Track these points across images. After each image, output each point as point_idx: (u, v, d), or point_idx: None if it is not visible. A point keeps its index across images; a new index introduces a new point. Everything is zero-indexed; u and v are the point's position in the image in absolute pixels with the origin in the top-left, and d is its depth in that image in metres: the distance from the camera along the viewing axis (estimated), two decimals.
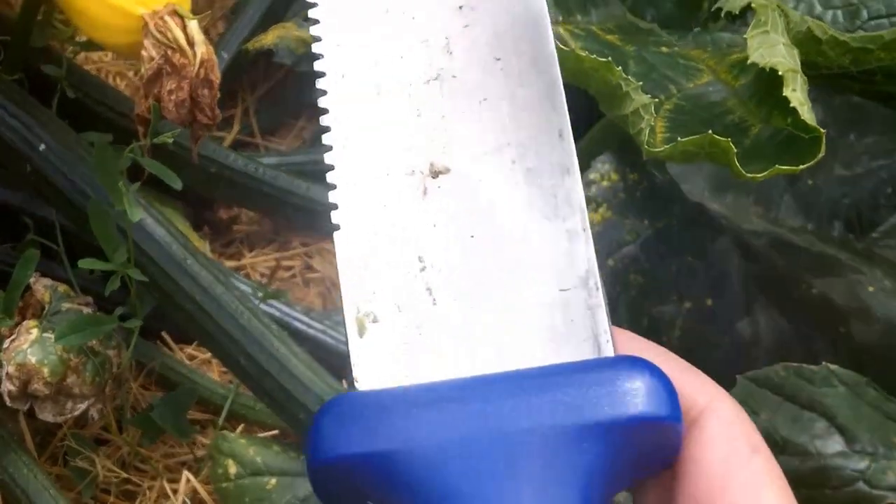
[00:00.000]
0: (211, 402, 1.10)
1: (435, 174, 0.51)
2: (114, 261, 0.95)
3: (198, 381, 1.11)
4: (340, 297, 0.50)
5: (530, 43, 0.52)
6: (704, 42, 0.91)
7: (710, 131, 0.71)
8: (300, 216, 1.27)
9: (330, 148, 0.51)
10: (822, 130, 0.68)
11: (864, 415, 0.83)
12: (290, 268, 1.26)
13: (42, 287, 1.02)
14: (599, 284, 0.49)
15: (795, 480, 0.76)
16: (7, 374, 0.96)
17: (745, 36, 0.74)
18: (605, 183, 1.08)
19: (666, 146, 0.70)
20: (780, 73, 0.69)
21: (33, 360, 0.95)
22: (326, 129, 0.52)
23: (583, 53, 0.71)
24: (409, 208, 0.51)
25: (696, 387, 0.50)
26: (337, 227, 0.50)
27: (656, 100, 0.73)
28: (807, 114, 0.69)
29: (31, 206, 1.15)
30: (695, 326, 1.05)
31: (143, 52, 0.89)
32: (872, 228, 1.13)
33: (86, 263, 0.93)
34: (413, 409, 0.46)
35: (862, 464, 0.81)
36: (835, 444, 0.82)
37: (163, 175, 0.92)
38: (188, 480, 1.03)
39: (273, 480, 0.98)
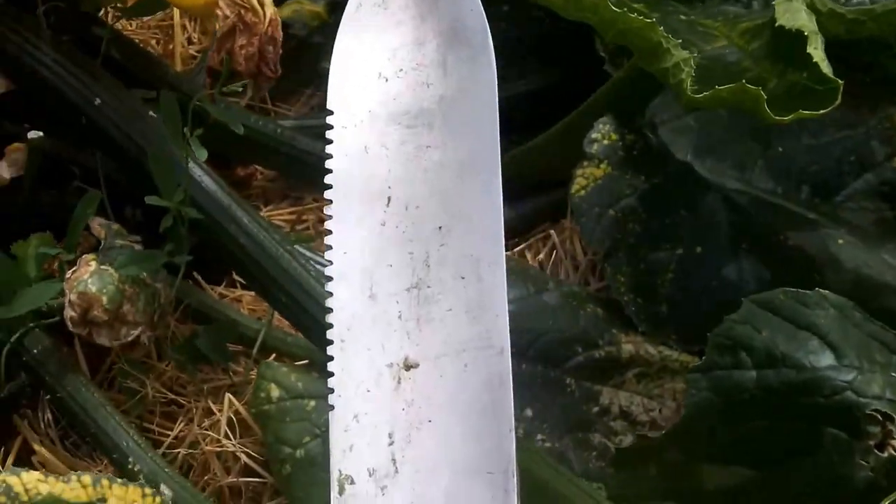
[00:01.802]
0: (244, 335, 1.19)
1: (408, 367, 0.65)
2: (171, 200, 1.02)
3: (231, 316, 1.20)
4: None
5: (488, 268, 0.65)
6: (714, 13, 1.02)
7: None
8: (315, 175, 1.35)
9: (331, 342, 0.65)
10: (839, 81, 0.79)
11: (851, 334, 0.95)
12: (304, 221, 1.34)
13: (98, 225, 1.12)
14: (515, 472, 0.64)
15: (793, 390, 0.87)
16: (70, 301, 1.05)
17: (772, 4, 0.84)
18: (605, 142, 1.19)
19: (704, 93, 0.81)
20: (805, 33, 0.80)
21: (93, 289, 1.04)
22: (330, 326, 0.65)
23: (632, 15, 0.81)
24: (385, 394, 0.65)
25: None
26: (332, 408, 0.65)
27: (694, 54, 0.84)
28: (826, 68, 0.80)
29: (76, 156, 1.22)
30: (686, 271, 1.16)
31: (218, 11, 0.99)
32: (836, 193, 1.23)
33: (151, 200, 1.03)
34: None
35: (850, 376, 0.93)
36: (826, 359, 0.93)
37: (227, 119, 1.01)
38: (230, 402, 1.11)
39: (312, 402, 1.08)
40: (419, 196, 0.64)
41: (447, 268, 0.64)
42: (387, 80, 0.65)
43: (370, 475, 0.63)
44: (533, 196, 1.33)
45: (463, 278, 0.64)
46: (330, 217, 0.65)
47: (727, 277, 1.15)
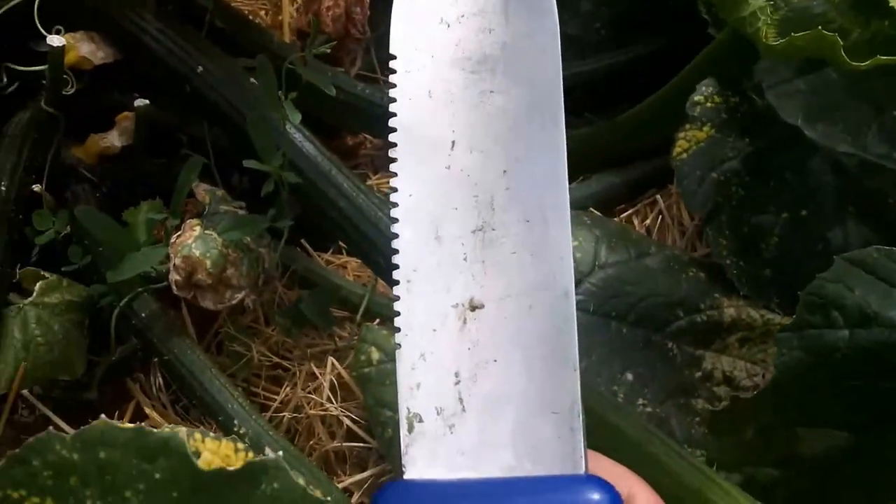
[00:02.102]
0: (348, 300, 1.23)
1: (473, 308, 0.67)
2: (270, 165, 1.04)
3: (336, 281, 1.23)
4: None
5: (552, 211, 0.66)
6: None
7: None
8: None
9: (397, 283, 0.67)
10: None
11: None
12: None
13: (203, 191, 1.14)
14: (580, 412, 0.65)
15: (886, 349, 0.86)
16: (174, 265, 1.08)
17: None
18: (709, 104, 1.18)
19: (781, 41, 0.81)
20: None
21: (197, 253, 1.07)
22: (396, 267, 0.68)
23: None
24: (451, 334, 0.66)
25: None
26: (399, 346, 0.66)
27: (771, 2, 0.84)
28: None
29: (184, 125, 1.25)
30: (790, 235, 1.15)
31: None
32: None
33: (250, 164, 1.06)
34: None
35: None
36: None
37: (317, 81, 1.03)
38: (333, 366, 1.13)
39: None
40: (483, 140, 0.66)
41: (512, 211, 0.66)
42: (449, 25, 0.67)
43: (438, 413, 0.65)
44: (639, 161, 1.34)
45: (528, 221, 0.66)
46: (395, 160, 0.67)
47: (832, 241, 1.15)
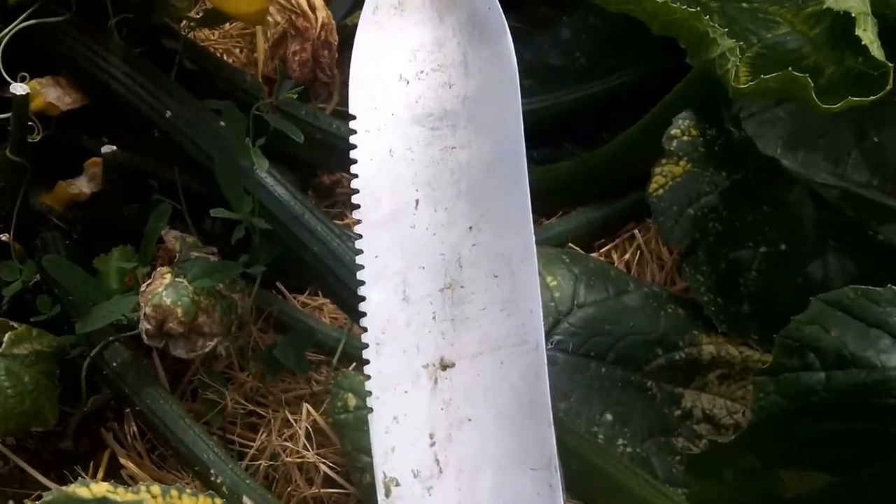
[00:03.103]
0: (324, 343, 1.23)
1: (444, 367, 0.67)
2: (240, 211, 1.04)
3: (312, 325, 1.23)
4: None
5: (520, 264, 0.67)
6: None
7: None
8: None
9: (367, 346, 0.68)
10: (889, 65, 0.79)
11: None
12: None
13: (173, 238, 1.14)
14: (558, 467, 0.65)
15: (863, 390, 0.86)
16: (145, 314, 1.08)
17: None
18: (685, 138, 1.19)
19: (750, 83, 0.81)
20: (852, 15, 0.79)
21: (168, 301, 1.07)
22: (365, 330, 0.68)
23: (674, 5, 0.81)
24: (423, 395, 0.67)
25: None
26: (371, 410, 0.68)
27: (741, 44, 0.83)
28: (876, 51, 0.80)
29: (155, 170, 1.25)
30: (769, 269, 1.16)
31: (269, 18, 1.01)
32: None
33: (217, 213, 1.05)
34: None
35: None
36: None
37: (285, 129, 1.04)
38: (308, 413, 1.13)
39: None
40: (447, 197, 0.66)
41: (479, 267, 0.66)
42: (408, 82, 0.67)
43: (415, 476, 0.65)
44: (618, 195, 1.34)
45: (496, 276, 0.66)
46: (359, 222, 0.67)
47: (812, 274, 1.15)
